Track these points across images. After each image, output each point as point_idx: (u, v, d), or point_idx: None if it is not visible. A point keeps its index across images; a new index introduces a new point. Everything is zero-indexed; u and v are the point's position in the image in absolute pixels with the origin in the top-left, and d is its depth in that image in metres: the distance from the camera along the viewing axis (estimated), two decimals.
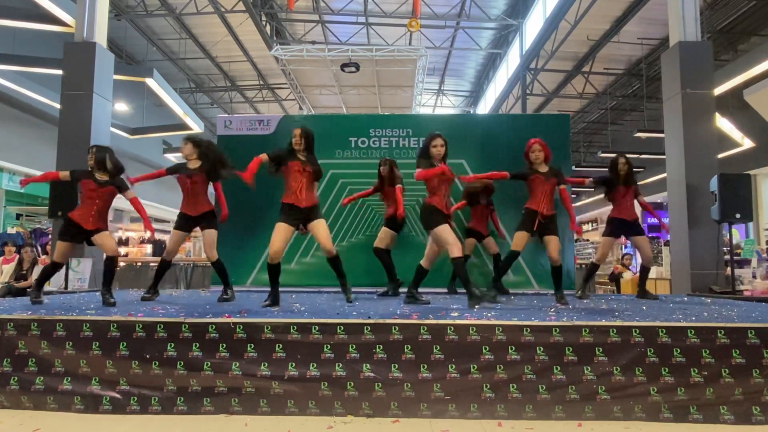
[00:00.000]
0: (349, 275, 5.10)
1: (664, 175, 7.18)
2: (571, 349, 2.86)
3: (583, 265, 8.91)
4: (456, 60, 16.44)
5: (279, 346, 2.92)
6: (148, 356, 2.94)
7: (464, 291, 4.06)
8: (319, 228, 4.17)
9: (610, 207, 5.20)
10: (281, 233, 3.97)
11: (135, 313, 3.25)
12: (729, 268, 6.28)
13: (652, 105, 13.73)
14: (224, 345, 2.94)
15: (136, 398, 2.88)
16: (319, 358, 2.90)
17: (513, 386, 2.82)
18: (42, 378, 2.95)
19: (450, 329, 2.92)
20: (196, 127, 13.01)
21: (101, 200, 4.29)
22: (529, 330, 2.90)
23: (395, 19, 12.92)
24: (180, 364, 2.91)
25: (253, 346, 2.93)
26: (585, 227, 22.44)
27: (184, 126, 12.99)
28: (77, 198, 6.04)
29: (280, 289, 4.04)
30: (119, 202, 4.59)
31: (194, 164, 4.55)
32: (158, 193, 18.27)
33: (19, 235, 9.49)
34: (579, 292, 5.27)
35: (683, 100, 6.73)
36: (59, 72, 7.26)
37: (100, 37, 7.13)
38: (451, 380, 2.84)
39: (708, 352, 2.81)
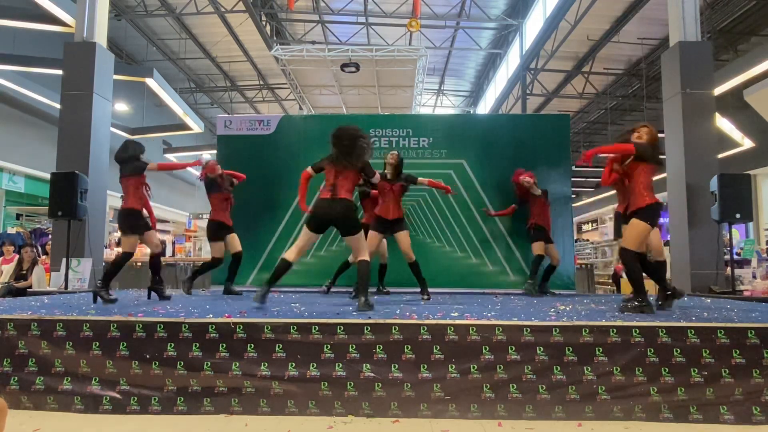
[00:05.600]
0: (351, 275, 5.12)
1: (664, 175, 7.18)
2: (571, 349, 2.86)
3: (584, 266, 8.91)
4: (456, 60, 16.44)
5: (279, 346, 2.92)
6: (148, 356, 2.93)
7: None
8: (402, 238, 4.91)
9: (610, 207, 5.20)
10: (372, 239, 4.86)
11: (135, 313, 3.25)
12: (729, 268, 6.28)
13: (652, 105, 13.72)
14: (224, 345, 2.94)
15: (136, 398, 2.88)
16: (319, 358, 2.90)
17: (513, 386, 2.82)
18: (42, 378, 2.94)
19: (450, 329, 2.92)
20: (196, 127, 13.01)
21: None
22: (529, 330, 2.90)
23: (395, 19, 12.92)
24: (180, 364, 2.91)
25: (253, 346, 2.93)
26: (585, 227, 22.45)
27: (184, 126, 13.00)
28: (77, 198, 6.05)
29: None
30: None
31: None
32: (158, 193, 18.25)
33: (19, 235, 9.47)
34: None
35: (683, 100, 6.73)
36: (59, 72, 7.25)
37: (100, 37, 7.13)
38: (451, 380, 2.84)
39: (708, 352, 2.81)
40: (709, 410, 2.75)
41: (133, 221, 4.45)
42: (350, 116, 11.57)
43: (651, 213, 3.74)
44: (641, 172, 3.79)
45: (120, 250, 11.80)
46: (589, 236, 20.29)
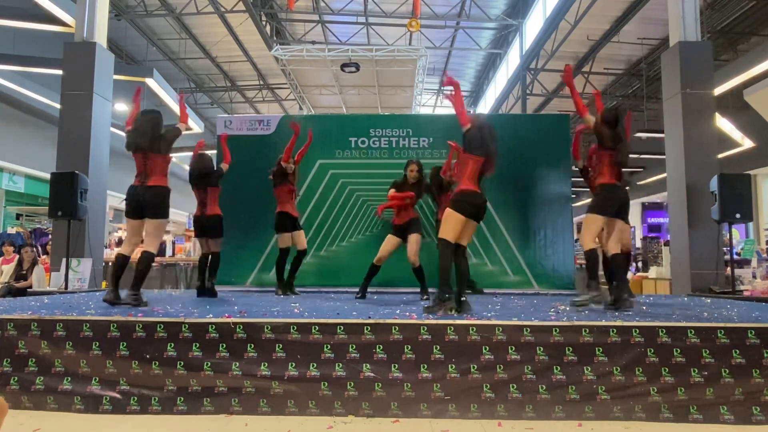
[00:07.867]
0: (351, 275, 5.13)
1: (664, 175, 7.18)
2: (571, 349, 2.86)
3: (584, 266, 8.91)
4: (456, 60, 16.43)
5: (279, 346, 2.92)
6: (148, 356, 2.93)
7: None
8: (411, 240, 5.03)
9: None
10: (389, 243, 5.12)
11: (135, 313, 3.25)
12: (729, 268, 6.28)
13: (652, 105, 13.72)
14: (224, 345, 2.94)
15: (136, 398, 2.88)
16: (319, 358, 2.90)
17: (513, 386, 2.82)
18: (42, 378, 2.94)
19: (450, 329, 2.92)
20: (196, 127, 13.01)
21: None
22: (529, 330, 2.90)
23: (395, 19, 12.91)
24: (180, 364, 2.91)
25: (253, 346, 2.93)
26: None
27: None
28: (77, 198, 6.04)
29: None
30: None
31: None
32: None
33: (19, 235, 9.47)
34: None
35: (683, 100, 6.72)
36: (59, 72, 7.25)
37: (100, 37, 7.12)
38: (451, 380, 2.84)
39: (708, 352, 2.81)
40: (709, 410, 2.75)
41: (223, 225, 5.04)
42: (350, 116, 11.57)
43: (462, 202, 3.59)
44: (468, 160, 3.64)
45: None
46: None
